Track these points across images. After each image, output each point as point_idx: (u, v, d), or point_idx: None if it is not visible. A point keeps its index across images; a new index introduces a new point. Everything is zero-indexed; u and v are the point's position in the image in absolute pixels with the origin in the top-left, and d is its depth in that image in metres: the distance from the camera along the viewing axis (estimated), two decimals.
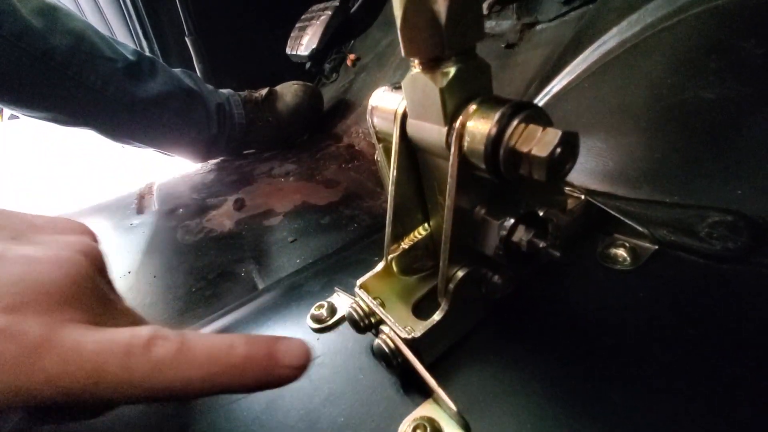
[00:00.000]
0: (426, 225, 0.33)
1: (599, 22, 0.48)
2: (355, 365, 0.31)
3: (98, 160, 1.62)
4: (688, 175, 0.35)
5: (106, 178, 1.42)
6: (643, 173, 0.37)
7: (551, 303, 0.32)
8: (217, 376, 0.19)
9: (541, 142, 0.20)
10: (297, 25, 1.14)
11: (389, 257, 0.32)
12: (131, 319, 0.23)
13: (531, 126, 0.20)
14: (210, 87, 0.94)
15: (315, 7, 1.13)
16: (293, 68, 1.17)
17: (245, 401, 0.30)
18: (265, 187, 0.79)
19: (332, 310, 0.36)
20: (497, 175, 0.22)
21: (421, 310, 0.32)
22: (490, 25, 0.70)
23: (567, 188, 0.37)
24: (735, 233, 0.30)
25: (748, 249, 0.29)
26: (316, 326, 0.35)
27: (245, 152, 1.01)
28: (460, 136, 0.23)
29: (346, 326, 0.33)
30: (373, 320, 0.30)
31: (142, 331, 0.19)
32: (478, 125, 0.22)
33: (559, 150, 0.19)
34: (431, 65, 0.22)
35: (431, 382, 0.26)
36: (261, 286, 0.50)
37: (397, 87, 0.29)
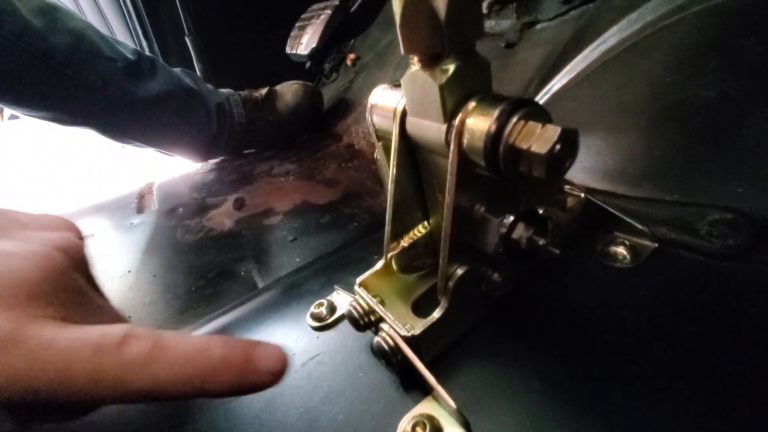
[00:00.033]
0: (426, 223, 0.33)
1: (599, 21, 0.48)
2: (354, 363, 0.31)
3: (98, 160, 1.63)
4: (687, 173, 0.35)
5: (106, 178, 1.42)
6: (642, 171, 0.37)
7: (551, 301, 0.32)
8: (191, 378, 0.18)
9: (541, 138, 0.20)
10: (297, 24, 1.14)
11: (389, 255, 0.32)
12: (109, 316, 0.23)
13: (530, 123, 0.20)
14: (210, 86, 0.94)
15: (315, 6, 1.13)
16: (293, 68, 1.17)
17: (245, 399, 0.30)
18: (265, 187, 0.79)
19: (332, 309, 0.36)
20: (497, 173, 0.22)
21: (420, 309, 0.32)
22: (489, 24, 0.70)
23: (567, 186, 0.37)
24: (735, 231, 0.30)
25: (748, 246, 0.29)
26: (316, 324, 0.35)
27: (245, 152, 1.01)
28: (460, 134, 0.23)
29: (345, 324, 0.33)
30: (372, 318, 0.30)
31: (115, 330, 0.18)
32: (478, 122, 0.22)
33: (558, 147, 0.19)
34: (431, 62, 0.22)
35: (431, 379, 0.26)
36: (261, 284, 0.50)
37: (396, 85, 0.29)
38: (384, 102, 0.29)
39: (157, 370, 0.18)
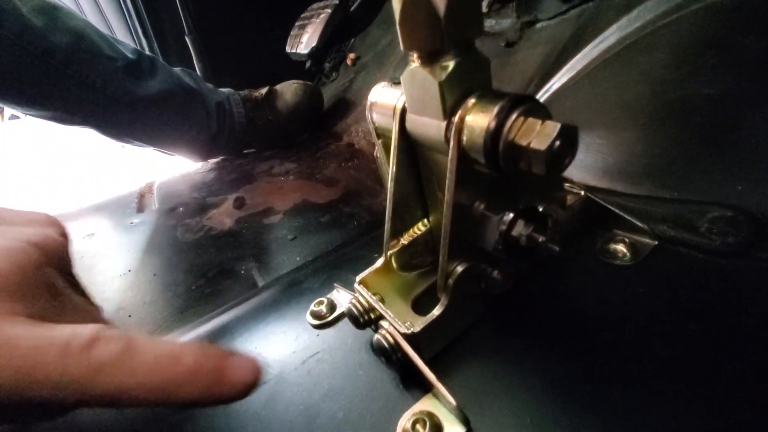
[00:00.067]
0: (425, 221, 0.33)
1: (599, 20, 0.48)
2: (354, 361, 0.31)
3: (98, 160, 1.63)
4: (687, 170, 0.35)
5: (106, 178, 1.42)
6: (642, 169, 0.37)
7: (551, 298, 0.32)
8: (160, 386, 0.18)
9: (540, 135, 0.20)
10: (297, 23, 1.14)
11: (389, 253, 0.32)
12: (86, 315, 0.22)
13: (530, 119, 0.20)
14: (210, 86, 0.94)
15: (315, 6, 1.13)
16: (293, 67, 1.17)
17: None
18: (265, 186, 0.79)
19: (332, 307, 0.36)
20: (497, 170, 0.22)
21: (420, 306, 0.32)
22: (489, 23, 0.70)
23: (567, 184, 0.37)
24: (735, 228, 0.30)
25: (748, 244, 0.29)
26: (316, 322, 0.35)
27: (245, 151, 1.01)
28: (459, 131, 0.23)
29: (345, 322, 0.33)
30: (372, 316, 0.30)
31: (85, 330, 0.18)
32: (477, 119, 0.22)
33: (558, 143, 0.19)
34: (430, 59, 0.22)
35: (431, 376, 0.26)
36: (261, 283, 0.50)
37: (396, 82, 0.29)
38: (384, 99, 0.29)
39: (125, 376, 0.17)
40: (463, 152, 0.23)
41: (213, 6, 1.14)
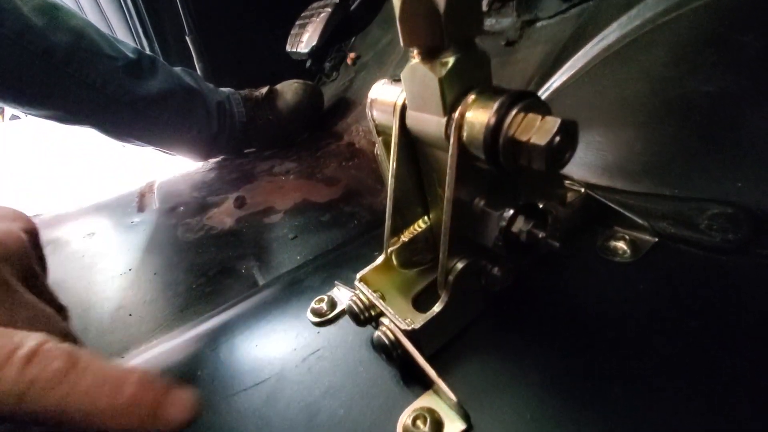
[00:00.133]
0: (426, 218, 0.33)
1: (599, 18, 0.48)
2: (355, 358, 0.31)
3: (99, 160, 1.63)
4: (687, 168, 0.35)
5: (107, 177, 1.42)
6: (642, 167, 0.37)
7: (551, 295, 0.32)
8: (96, 412, 0.17)
9: (541, 130, 0.20)
10: (297, 22, 1.14)
11: (389, 250, 0.32)
12: (39, 317, 0.21)
13: (530, 115, 0.20)
14: (210, 85, 0.94)
15: (315, 5, 1.13)
16: (293, 67, 1.17)
17: (246, 393, 0.31)
18: (266, 185, 0.79)
19: (332, 304, 0.36)
20: (497, 166, 0.22)
21: (420, 303, 0.32)
22: (490, 22, 0.70)
23: (567, 182, 0.37)
24: (735, 225, 0.30)
25: (747, 241, 0.29)
26: (316, 320, 0.35)
27: (246, 150, 1.01)
28: (459, 127, 0.23)
29: (346, 320, 0.33)
30: (373, 313, 0.30)
31: (29, 341, 0.17)
32: (477, 115, 0.22)
33: (558, 138, 0.19)
34: (430, 55, 0.22)
35: (431, 372, 0.26)
36: (261, 282, 0.50)
37: (396, 79, 0.29)
38: (384, 96, 0.29)
39: (61, 396, 0.17)
40: (463, 148, 0.23)
41: (213, 6, 1.14)
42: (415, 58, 0.23)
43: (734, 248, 0.30)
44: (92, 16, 1.16)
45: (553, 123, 0.19)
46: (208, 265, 0.56)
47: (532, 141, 0.20)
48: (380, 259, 0.32)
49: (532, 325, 0.30)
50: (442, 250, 0.27)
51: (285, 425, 0.28)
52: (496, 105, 0.21)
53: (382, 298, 0.31)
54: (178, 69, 0.90)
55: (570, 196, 0.35)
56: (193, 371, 0.34)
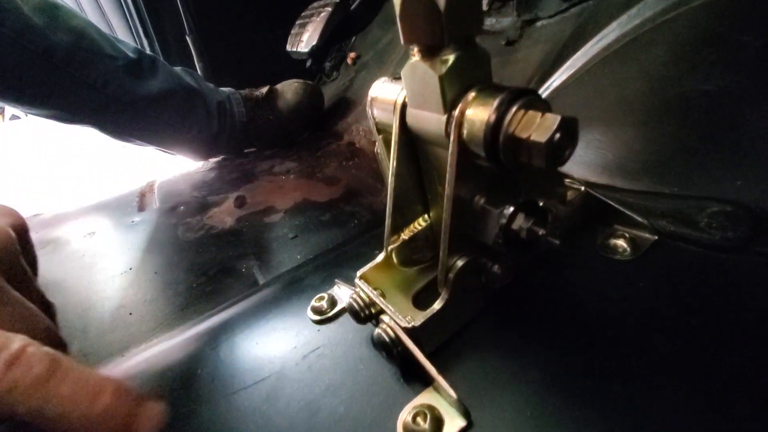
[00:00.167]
0: (426, 216, 0.33)
1: (599, 17, 0.48)
2: (355, 356, 0.31)
3: (99, 159, 1.63)
4: (687, 166, 0.35)
5: (107, 177, 1.42)
6: (642, 165, 0.37)
7: (551, 293, 0.32)
8: (72, 419, 0.17)
9: (541, 127, 0.20)
10: (297, 22, 1.15)
11: (389, 248, 0.32)
12: (23, 316, 0.21)
13: (530, 112, 0.21)
14: (210, 85, 0.95)
15: (315, 4, 1.13)
16: (293, 67, 1.17)
17: (246, 392, 0.31)
18: (266, 185, 0.79)
19: (332, 302, 0.36)
20: (497, 163, 0.22)
21: (421, 301, 0.32)
22: (490, 22, 0.70)
23: (567, 180, 0.37)
24: (734, 223, 0.30)
25: (747, 238, 0.29)
26: (317, 318, 0.35)
27: (246, 150, 1.01)
28: (460, 124, 0.23)
29: (346, 318, 0.33)
30: (373, 310, 0.30)
31: (12, 344, 0.17)
32: (478, 112, 0.22)
33: (558, 135, 0.19)
34: (430, 53, 0.23)
35: (431, 369, 0.26)
36: (262, 281, 0.50)
37: (396, 78, 0.29)
38: (384, 95, 0.29)
39: (40, 401, 0.17)
40: (463, 146, 0.23)
41: (213, 6, 1.14)
42: (415, 56, 0.24)
43: (734, 246, 0.30)
44: (92, 16, 1.16)
45: (553, 120, 0.19)
46: (209, 264, 0.56)
47: (532, 138, 0.20)
48: (380, 257, 0.32)
49: (532, 323, 0.30)
50: (442, 248, 0.27)
51: (285, 423, 0.28)
52: (496, 102, 0.21)
53: (383, 295, 0.31)
54: (178, 69, 0.90)
55: (570, 194, 0.35)
56: (193, 370, 0.34)
